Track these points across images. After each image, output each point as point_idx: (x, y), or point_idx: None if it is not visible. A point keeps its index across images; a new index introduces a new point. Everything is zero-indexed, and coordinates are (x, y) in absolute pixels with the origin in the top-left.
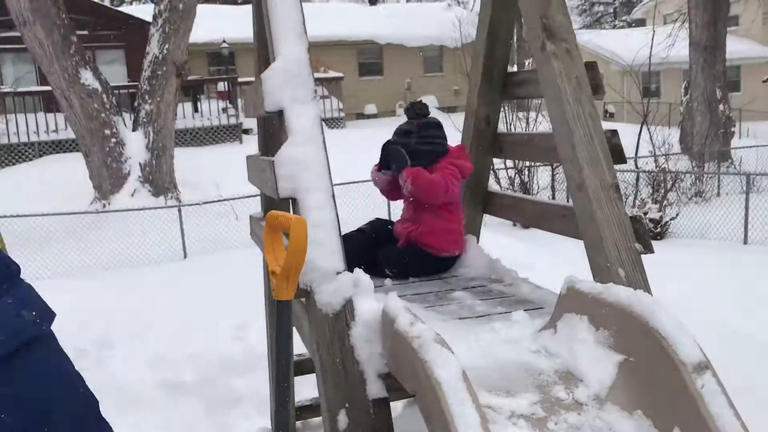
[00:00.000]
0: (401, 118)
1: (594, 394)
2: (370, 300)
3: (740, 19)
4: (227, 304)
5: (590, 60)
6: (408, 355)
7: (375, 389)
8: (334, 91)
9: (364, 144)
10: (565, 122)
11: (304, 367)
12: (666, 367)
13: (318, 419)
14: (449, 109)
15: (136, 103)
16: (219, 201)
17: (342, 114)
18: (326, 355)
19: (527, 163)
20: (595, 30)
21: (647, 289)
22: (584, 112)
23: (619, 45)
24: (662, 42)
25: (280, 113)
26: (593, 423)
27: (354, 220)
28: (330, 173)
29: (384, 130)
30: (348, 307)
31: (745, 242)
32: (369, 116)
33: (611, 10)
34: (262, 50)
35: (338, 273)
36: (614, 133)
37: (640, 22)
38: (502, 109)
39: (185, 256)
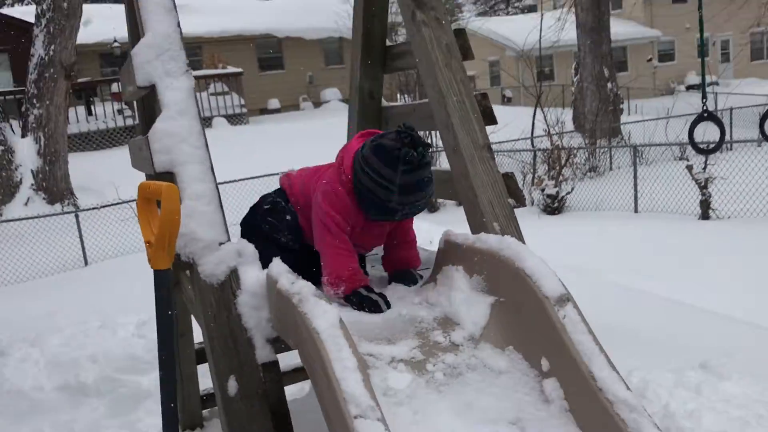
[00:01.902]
0: (305, 112)
1: (469, 335)
2: (255, 269)
3: (623, 2)
4: (129, 305)
5: (484, 46)
6: (290, 311)
7: (264, 354)
8: (234, 86)
9: (266, 139)
10: (438, 89)
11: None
12: (532, 302)
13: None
14: None
15: (23, 108)
16: (117, 204)
17: (244, 110)
18: (213, 324)
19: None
20: (490, 17)
21: (520, 239)
22: (455, 77)
23: (512, 31)
24: (552, 26)
25: (153, 87)
26: (468, 361)
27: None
28: (207, 145)
29: (288, 124)
30: (233, 277)
31: (636, 211)
32: (272, 111)
33: None
34: (133, 30)
35: (221, 244)
36: (484, 96)
37: (533, 8)
38: None
39: (86, 263)
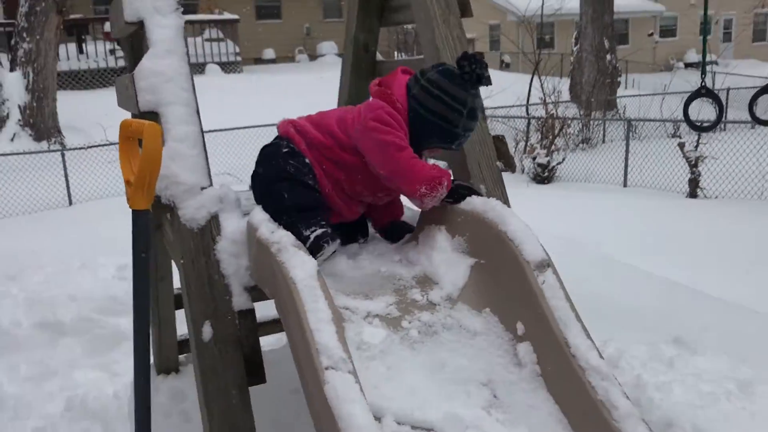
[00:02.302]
0: (301, 65)
1: (447, 295)
2: (237, 216)
3: None
4: (111, 247)
5: (486, 9)
6: (268, 260)
7: (241, 301)
8: (229, 34)
9: (259, 89)
10: (434, 44)
11: None
12: (512, 266)
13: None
14: None
15: (13, 42)
16: (104, 145)
17: (238, 58)
18: (191, 268)
19: None
20: None
21: (506, 203)
22: (452, 34)
23: None
24: None
25: (141, 24)
26: (444, 321)
27: (246, 165)
28: (194, 87)
29: (282, 76)
30: (213, 223)
31: (625, 185)
32: (267, 61)
33: None
34: None
35: (203, 188)
36: (480, 54)
37: None
38: None
39: (70, 203)
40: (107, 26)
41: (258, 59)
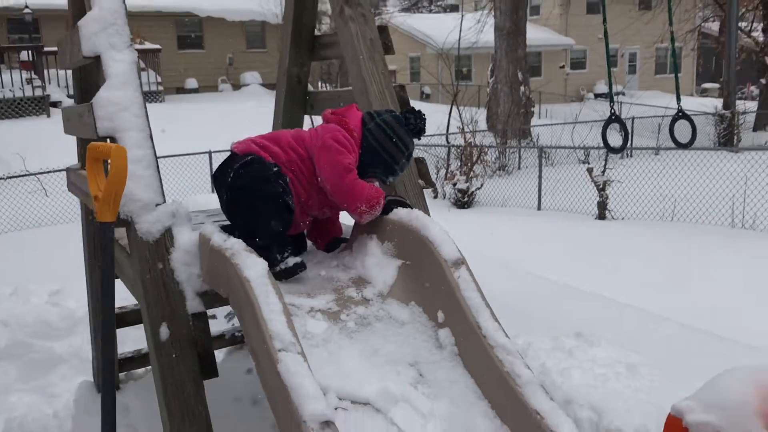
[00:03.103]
0: (223, 94)
1: (379, 292)
2: (188, 229)
3: (541, 9)
4: (41, 275)
5: (406, 42)
6: (223, 264)
7: (194, 305)
8: (151, 63)
9: (181, 118)
10: (361, 78)
11: (126, 318)
12: (433, 265)
13: (141, 369)
14: (274, 86)
15: None
16: (24, 176)
17: (160, 87)
18: (148, 276)
19: None
20: (413, 13)
21: (427, 214)
22: (377, 69)
23: (434, 29)
24: (472, 27)
25: (98, 58)
26: (377, 313)
27: (170, 192)
28: (147, 114)
29: (204, 105)
30: (167, 235)
31: (539, 208)
32: (189, 91)
33: None
34: (76, 1)
35: (157, 204)
36: (402, 87)
37: (454, 8)
38: None
39: None
40: (24, 55)
41: (180, 89)
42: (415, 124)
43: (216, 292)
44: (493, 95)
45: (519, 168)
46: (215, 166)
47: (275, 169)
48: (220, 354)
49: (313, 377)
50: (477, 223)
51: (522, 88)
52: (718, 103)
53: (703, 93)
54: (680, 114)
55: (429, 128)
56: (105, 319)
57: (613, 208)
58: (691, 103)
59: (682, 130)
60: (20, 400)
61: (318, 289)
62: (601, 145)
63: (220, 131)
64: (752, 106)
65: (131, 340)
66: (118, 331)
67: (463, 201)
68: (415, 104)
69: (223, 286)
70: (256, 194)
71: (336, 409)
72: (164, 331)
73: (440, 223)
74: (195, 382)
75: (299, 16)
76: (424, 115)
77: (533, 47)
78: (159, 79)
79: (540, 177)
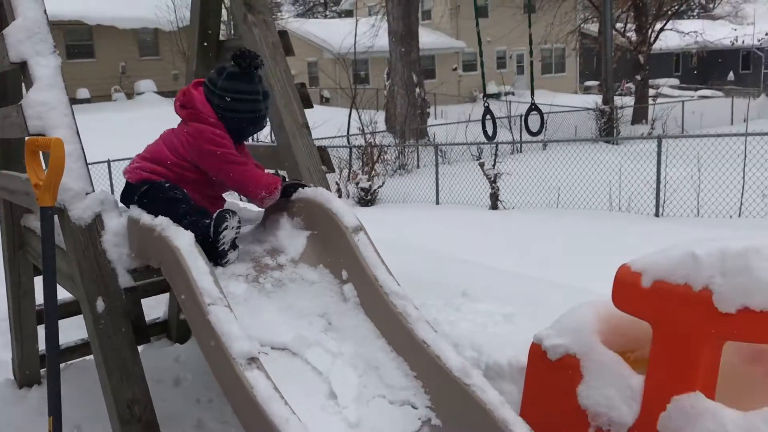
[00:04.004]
0: (117, 103)
1: (291, 259)
2: (116, 215)
3: (432, 13)
4: None
5: (303, 47)
6: (153, 238)
7: (125, 281)
8: None
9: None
10: (266, 78)
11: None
12: (336, 232)
13: (79, 359)
14: (170, 94)
15: None
16: None
17: None
18: (83, 257)
19: None
20: (308, 19)
21: None
22: (280, 69)
23: (330, 34)
24: (367, 32)
25: (24, 64)
26: (290, 276)
27: None
28: (73, 113)
29: (97, 114)
30: (98, 220)
31: (437, 203)
32: (81, 101)
33: (322, 1)
34: None
35: (87, 193)
36: (303, 85)
37: (349, 13)
38: None
39: None
40: None
41: (72, 99)
42: (249, 65)
43: (144, 268)
44: (390, 97)
45: (418, 166)
46: (115, 174)
47: (171, 189)
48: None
49: (238, 323)
50: (380, 217)
51: (417, 90)
52: (599, 99)
53: (587, 90)
54: (533, 107)
55: (330, 131)
56: (47, 299)
57: (504, 199)
58: (575, 101)
59: (535, 121)
60: None
61: (238, 260)
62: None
63: (118, 141)
64: (630, 101)
65: (70, 327)
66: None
67: (367, 199)
68: (316, 108)
69: (154, 257)
70: (163, 205)
71: (258, 353)
72: (100, 304)
73: None
74: (130, 347)
75: (205, 23)
76: (252, 53)
77: (427, 50)
78: None
79: (437, 173)
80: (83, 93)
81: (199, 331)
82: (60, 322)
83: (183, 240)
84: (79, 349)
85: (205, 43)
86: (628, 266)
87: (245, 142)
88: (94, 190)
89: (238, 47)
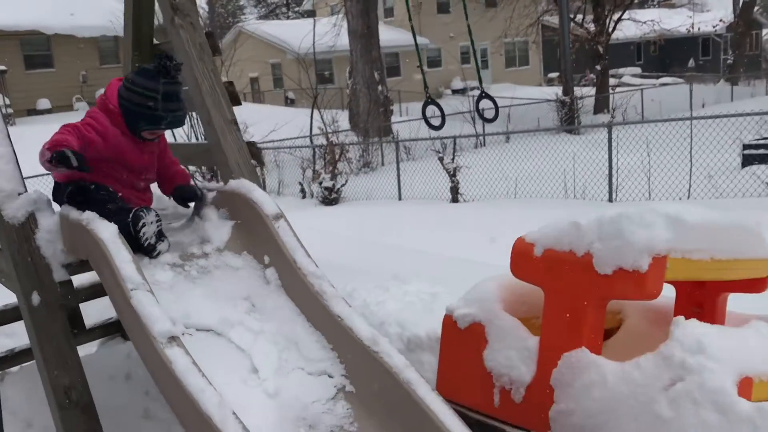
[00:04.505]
0: (79, 113)
1: (216, 248)
2: (50, 213)
3: (395, 11)
4: None
5: (265, 48)
6: (81, 232)
7: (60, 275)
8: None
9: (34, 141)
10: (194, 77)
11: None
12: (259, 220)
13: (16, 368)
14: None
15: None
16: None
17: (9, 110)
18: (17, 254)
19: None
20: (270, 20)
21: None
22: (207, 68)
23: (290, 34)
24: (329, 31)
25: None
26: (216, 263)
27: None
28: (3, 118)
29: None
30: (31, 219)
31: (400, 198)
32: (42, 111)
33: (285, 1)
34: None
35: (20, 194)
36: (230, 83)
37: (312, 13)
38: None
39: None
40: None
41: (32, 110)
42: (159, 66)
43: (78, 263)
44: (353, 96)
45: (383, 164)
46: None
47: (97, 190)
48: (95, 344)
49: (159, 306)
50: (343, 214)
51: (379, 88)
52: (561, 90)
53: (550, 82)
54: (483, 95)
55: (292, 132)
56: None
57: (464, 191)
58: (537, 93)
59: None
60: None
61: (165, 251)
62: (452, 134)
63: None
64: (591, 91)
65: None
66: None
67: (330, 198)
68: (279, 109)
69: (82, 250)
70: (92, 200)
71: (183, 335)
72: (36, 298)
73: (309, 218)
74: (66, 336)
75: (137, 27)
76: (171, 56)
77: (390, 48)
78: (7, 102)
79: (398, 169)
80: (44, 103)
81: (124, 315)
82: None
83: (106, 232)
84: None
85: (140, 47)
86: (523, 238)
87: (173, 141)
88: (27, 191)
89: (169, 49)
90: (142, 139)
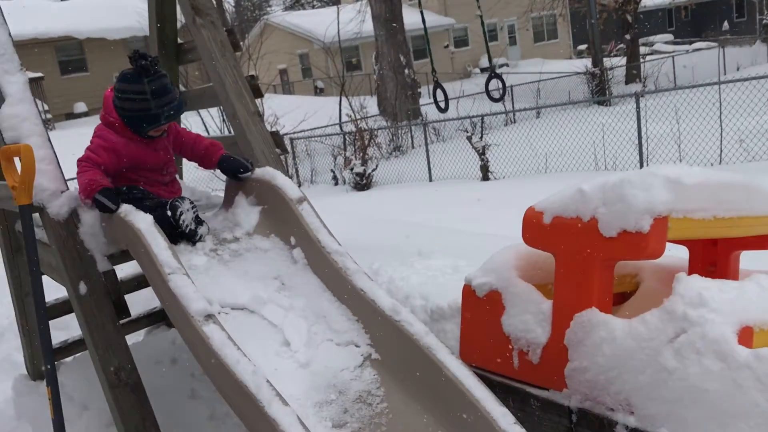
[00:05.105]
0: None
1: (246, 232)
2: (89, 209)
3: None
4: None
5: (292, 39)
6: (121, 224)
7: (104, 265)
8: (35, 92)
9: (73, 144)
10: (217, 73)
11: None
12: (283, 204)
13: (70, 358)
14: None
15: None
16: None
17: (48, 115)
18: (64, 248)
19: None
20: (295, 11)
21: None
22: (229, 64)
23: (316, 24)
24: (353, 18)
25: None
26: (246, 246)
27: None
28: (43, 122)
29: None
30: (74, 214)
31: (430, 180)
32: (79, 115)
33: None
34: None
35: (62, 192)
36: (252, 77)
37: (336, 1)
38: None
39: None
40: None
41: (69, 114)
42: (137, 66)
43: (119, 253)
44: (380, 81)
45: (412, 147)
46: None
47: (130, 191)
48: (141, 333)
49: (195, 287)
50: (375, 198)
51: (406, 71)
52: (590, 62)
53: (580, 55)
54: (493, 75)
55: (322, 120)
56: (35, 290)
57: (495, 169)
58: (567, 66)
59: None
60: None
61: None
62: (479, 113)
63: None
64: (620, 61)
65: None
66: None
67: (362, 183)
68: (308, 99)
69: (123, 240)
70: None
71: (219, 313)
72: (83, 287)
73: (341, 204)
74: (113, 322)
75: (162, 30)
76: (144, 54)
77: (416, 31)
78: (46, 107)
79: (427, 150)
80: (81, 107)
81: (164, 299)
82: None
83: (143, 222)
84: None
85: (165, 47)
86: (533, 207)
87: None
88: (68, 189)
89: (192, 48)
90: (150, 138)
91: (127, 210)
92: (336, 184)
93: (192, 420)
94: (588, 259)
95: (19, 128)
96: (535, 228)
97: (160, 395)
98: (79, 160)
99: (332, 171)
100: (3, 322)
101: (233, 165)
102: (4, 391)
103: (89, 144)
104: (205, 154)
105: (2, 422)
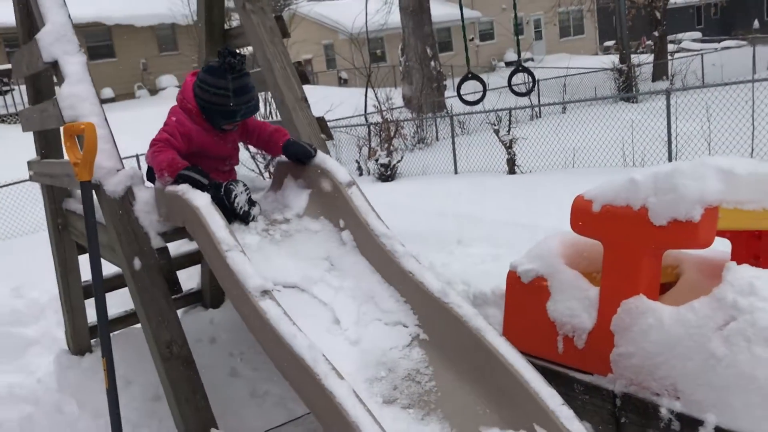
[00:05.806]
0: (141, 100)
1: (296, 214)
2: (144, 187)
3: None
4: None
5: (317, 30)
6: (179, 201)
7: (157, 242)
8: None
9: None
10: (266, 59)
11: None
12: (333, 187)
13: (122, 330)
14: None
15: None
16: None
17: None
18: (119, 224)
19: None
20: (321, 1)
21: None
22: (278, 50)
23: (342, 15)
24: (380, 9)
25: (55, 63)
26: (296, 227)
27: None
28: (100, 103)
29: (123, 113)
30: (129, 192)
31: (456, 172)
32: (106, 101)
33: None
34: (25, 21)
35: (118, 170)
36: (299, 63)
37: None
38: None
39: None
40: None
41: None
42: (223, 62)
43: (173, 231)
44: (406, 73)
45: (437, 139)
46: (144, 167)
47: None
48: (180, 312)
49: (252, 264)
50: (400, 189)
51: (432, 64)
52: (617, 58)
53: (606, 51)
54: (520, 68)
55: (347, 111)
56: (93, 261)
57: (521, 163)
58: (593, 62)
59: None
60: (3, 380)
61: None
62: (506, 106)
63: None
64: (648, 58)
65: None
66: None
67: (387, 175)
68: (333, 90)
69: (179, 217)
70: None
71: (272, 289)
72: (137, 263)
73: (367, 194)
74: (166, 297)
75: (210, 16)
76: (233, 51)
77: (442, 23)
78: None
79: (453, 143)
80: (107, 93)
81: (221, 274)
82: (108, 296)
83: (201, 200)
84: (128, 318)
85: (213, 34)
86: (582, 196)
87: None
88: (123, 168)
89: (239, 34)
90: (223, 131)
91: (184, 189)
92: (360, 174)
93: (234, 396)
94: (637, 246)
95: (78, 108)
96: (584, 216)
97: (202, 372)
98: (155, 140)
99: (357, 161)
100: (42, 299)
101: (299, 150)
102: (46, 365)
103: (164, 125)
104: (270, 139)
105: (46, 394)
